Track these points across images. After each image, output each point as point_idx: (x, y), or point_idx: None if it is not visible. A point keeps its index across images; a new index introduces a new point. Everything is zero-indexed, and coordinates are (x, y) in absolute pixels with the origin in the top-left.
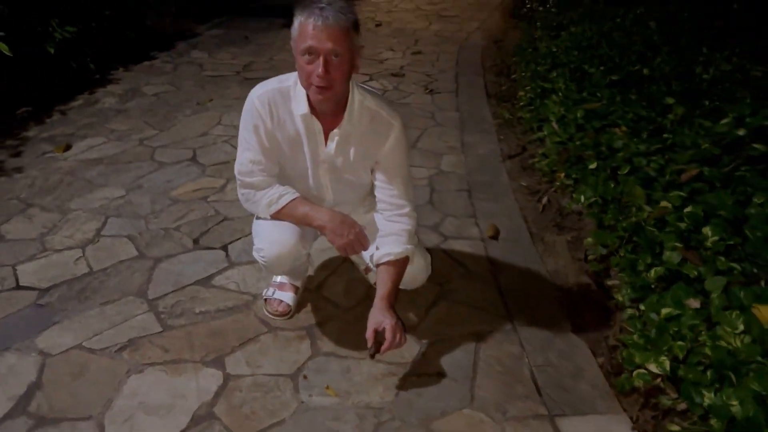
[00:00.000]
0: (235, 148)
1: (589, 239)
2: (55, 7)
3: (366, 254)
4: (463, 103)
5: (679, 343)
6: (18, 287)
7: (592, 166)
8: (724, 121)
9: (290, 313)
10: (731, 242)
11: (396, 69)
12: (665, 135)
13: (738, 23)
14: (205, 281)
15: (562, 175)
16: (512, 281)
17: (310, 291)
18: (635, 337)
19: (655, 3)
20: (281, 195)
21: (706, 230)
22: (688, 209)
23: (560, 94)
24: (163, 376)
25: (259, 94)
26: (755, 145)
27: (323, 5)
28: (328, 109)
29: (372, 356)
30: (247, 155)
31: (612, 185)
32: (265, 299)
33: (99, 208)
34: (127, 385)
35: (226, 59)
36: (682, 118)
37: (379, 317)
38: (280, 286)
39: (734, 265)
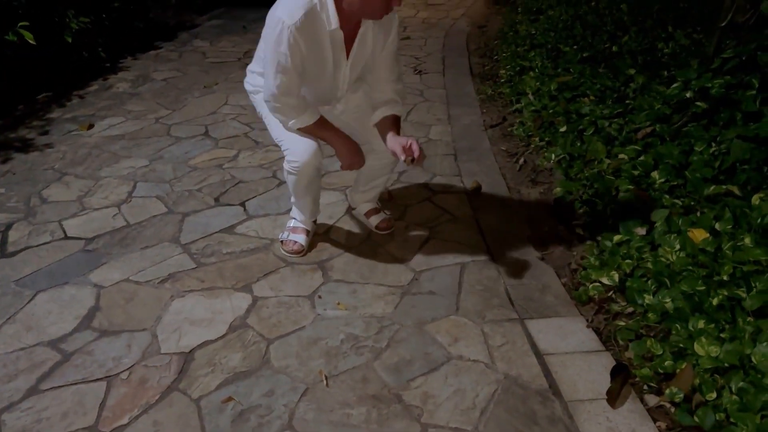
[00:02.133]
0: (244, 124)
1: (558, 189)
2: None
3: (362, 197)
4: (449, 82)
5: (627, 261)
6: (66, 237)
7: (562, 129)
8: (675, 85)
9: (303, 251)
10: (675, 183)
11: None
12: (627, 101)
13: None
14: (229, 230)
15: (537, 138)
16: (491, 223)
17: (319, 235)
18: (592, 260)
19: None
20: (311, 115)
21: (655, 174)
22: (641, 159)
23: (537, 70)
24: (201, 299)
25: (294, 22)
26: (698, 104)
27: None
28: (359, 19)
29: (411, 162)
30: (282, 78)
31: (578, 144)
32: (282, 241)
33: (127, 175)
34: (172, 306)
35: (227, 47)
36: (643, 86)
37: (401, 139)
38: (294, 230)
39: (676, 201)
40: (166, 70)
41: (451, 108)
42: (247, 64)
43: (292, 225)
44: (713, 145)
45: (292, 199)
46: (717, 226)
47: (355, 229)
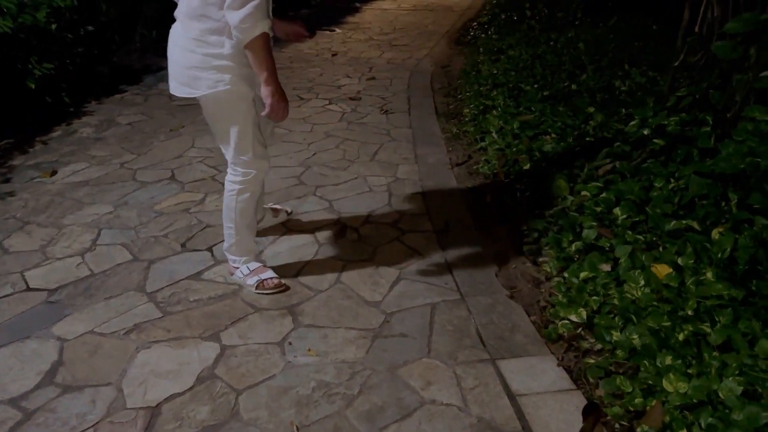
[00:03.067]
0: (210, 167)
1: (524, 226)
2: (34, 45)
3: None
4: (415, 121)
5: (594, 297)
6: (28, 289)
7: (526, 167)
8: (632, 123)
9: (283, 284)
10: (636, 219)
11: (353, 93)
12: (587, 138)
13: (653, 42)
14: (196, 276)
15: (502, 176)
16: (460, 262)
17: (288, 278)
18: (560, 297)
19: (583, 27)
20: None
21: (617, 211)
22: (602, 195)
23: (499, 109)
24: (168, 350)
25: None
26: (655, 141)
27: None
28: None
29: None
30: None
31: (542, 181)
32: (259, 283)
33: (91, 222)
34: (138, 359)
35: None
36: (602, 123)
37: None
38: (257, 271)
39: (639, 236)
40: (131, 113)
41: (418, 147)
42: None
43: (252, 267)
44: (672, 181)
45: (243, 241)
46: (679, 261)
47: (325, 272)
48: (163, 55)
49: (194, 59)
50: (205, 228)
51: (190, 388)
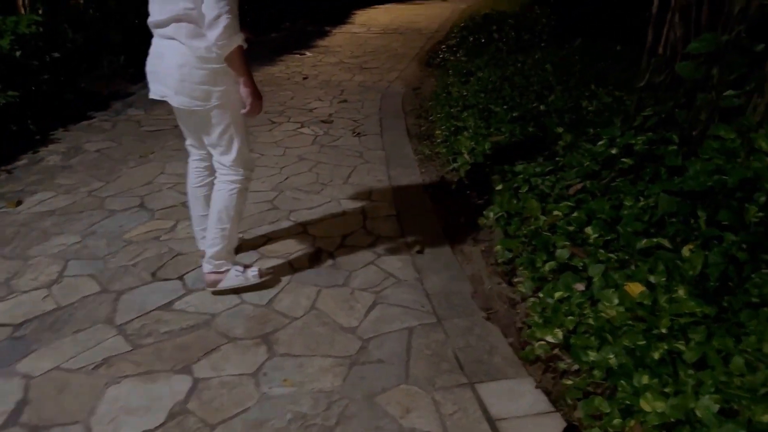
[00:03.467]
0: (181, 193)
1: (498, 247)
2: None
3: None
4: (388, 143)
5: (570, 317)
6: None
7: (498, 187)
8: (601, 142)
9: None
10: (608, 237)
11: (325, 116)
12: (557, 158)
13: (619, 63)
14: (166, 306)
15: (475, 197)
16: (436, 285)
17: (262, 306)
18: (536, 318)
19: (550, 49)
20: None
21: (589, 230)
22: (574, 215)
23: (470, 130)
24: (138, 384)
25: None
26: (624, 160)
27: None
28: None
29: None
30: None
31: (514, 202)
32: (259, 274)
33: (58, 254)
34: (107, 395)
35: (162, 115)
36: (571, 143)
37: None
38: (247, 267)
39: (611, 255)
40: (100, 140)
41: (391, 169)
42: None
43: (239, 269)
44: (642, 199)
45: (228, 230)
46: (652, 278)
47: (300, 298)
48: (131, 80)
49: (204, 75)
50: (176, 256)
51: (162, 425)
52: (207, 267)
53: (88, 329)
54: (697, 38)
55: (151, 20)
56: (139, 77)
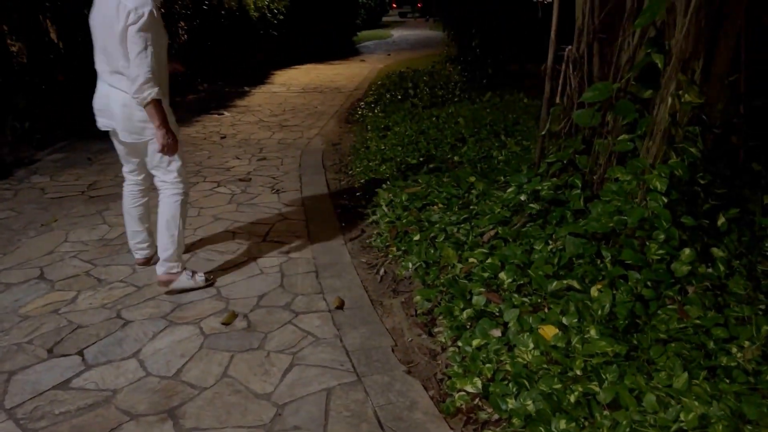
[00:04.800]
0: (85, 262)
1: (417, 297)
2: None
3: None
4: (308, 199)
5: (488, 365)
6: None
7: (416, 237)
8: (510, 189)
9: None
10: (521, 282)
11: (243, 174)
12: (471, 207)
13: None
14: (63, 385)
15: (394, 248)
16: (356, 341)
17: (167, 378)
18: (456, 367)
19: (462, 104)
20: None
21: (502, 275)
22: (488, 261)
23: (388, 183)
24: None
25: (151, 5)
26: (532, 205)
27: None
28: None
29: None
30: (151, 54)
31: (432, 251)
32: (205, 279)
33: None
34: None
35: (69, 181)
36: (483, 192)
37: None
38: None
39: (524, 299)
40: None
41: (311, 224)
42: (92, 197)
43: (190, 269)
44: (550, 242)
45: (179, 247)
46: (564, 320)
47: (211, 366)
48: (37, 146)
49: (141, 115)
50: (76, 329)
51: None
52: (160, 270)
53: None
54: (590, 87)
55: (98, 68)
56: (46, 144)
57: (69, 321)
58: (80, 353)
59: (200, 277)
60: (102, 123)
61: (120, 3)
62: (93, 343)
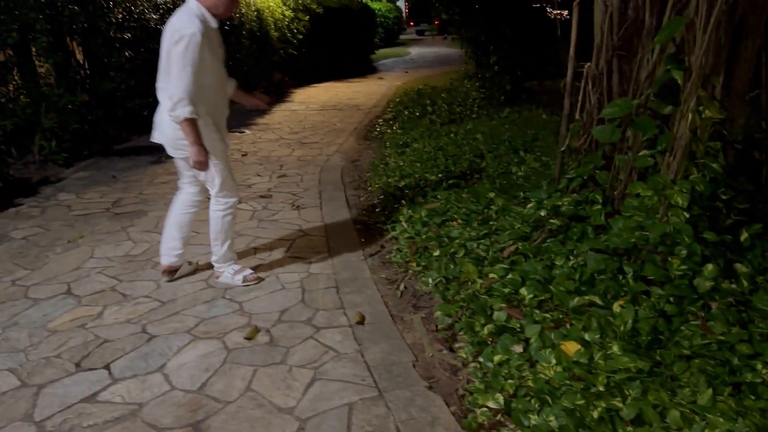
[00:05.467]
0: (110, 277)
1: (438, 312)
2: None
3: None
4: (327, 215)
5: (510, 381)
6: None
7: (436, 253)
8: (530, 205)
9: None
10: (542, 298)
11: (264, 191)
12: (491, 222)
13: (544, 130)
14: (91, 398)
15: (414, 264)
16: (377, 357)
17: (192, 392)
18: (477, 383)
19: (480, 120)
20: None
21: (523, 291)
22: (509, 277)
23: (407, 198)
24: None
25: (196, 28)
26: (552, 221)
27: None
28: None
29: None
30: (190, 77)
31: (451, 266)
32: (244, 278)
33: None
34: None
35: (94, 198)
36: (503, 207)
37: (251, 98)
38: (240, 270)
39: (546, 314)
40: (27, 227)
41: (331, 240)
42: (116, 214)
43: (236, 268)
44: (571, 258)
45: (225, 247)
46: (586, 336)
47: (235, 380)
48: (64, 165)
49: (179, 133)
50: (102, 344)
51: None
52: (214, 266)
53: (4, 428)
54: (610, 103)
55: (157, 86)
56: (72, 162)
57: (96, 335)
58: (107, 367)
59: (238, 278)
60: (154, 136)
61: (171, 24)
62: (119, 358)
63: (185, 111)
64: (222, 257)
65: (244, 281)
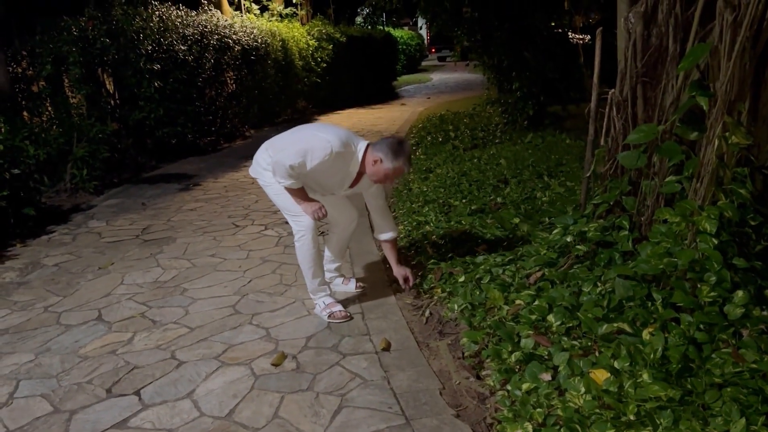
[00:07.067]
0: (140, 303)
1: (464, 339)
2: None
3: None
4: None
5: (538, 410)
6: None
7: (461, 279)
8: (555, 231)
9: (349, 316)
10: (570, 325)
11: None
12: (516, 248)
13: (569, 155)
14: (121, 424)
15: (439, 290)
16: (403, 384)
17: (221, 419)
18: (505, 411)
19: (503, 145)
20: (299, 184)
21: (550, 318)
22: (536, 303)
23: (432, 224)
24: None
25: (338, 150)
26: (579, 247)
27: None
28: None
29: (411, 287)
30: (300, 164)
31: (477, 292)
32: (330, 314)
33: (9, 374)
34: None
35: (124, 225)
36: (527, 233)
37: (402, 269)
38: (330, 305)
39: (574, 342)
40: (58, 254)
41: (355, 265)
42: (146, 240)
43: (326, 302)
44: (599, 284)
45: (312, 283)
46: (615, 364)
47: (263, 407)
48: (94, 192)
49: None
50: (132, 370)
51: None
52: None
53: None
54: (635, 129)
55: None
56: (102, 189)
57: (126, 361)
58: (137, 393)
59: (325, 314)
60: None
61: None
62: (149, 384)
63: (287, 182)
64: (310, 289)
65: (329, 318)
